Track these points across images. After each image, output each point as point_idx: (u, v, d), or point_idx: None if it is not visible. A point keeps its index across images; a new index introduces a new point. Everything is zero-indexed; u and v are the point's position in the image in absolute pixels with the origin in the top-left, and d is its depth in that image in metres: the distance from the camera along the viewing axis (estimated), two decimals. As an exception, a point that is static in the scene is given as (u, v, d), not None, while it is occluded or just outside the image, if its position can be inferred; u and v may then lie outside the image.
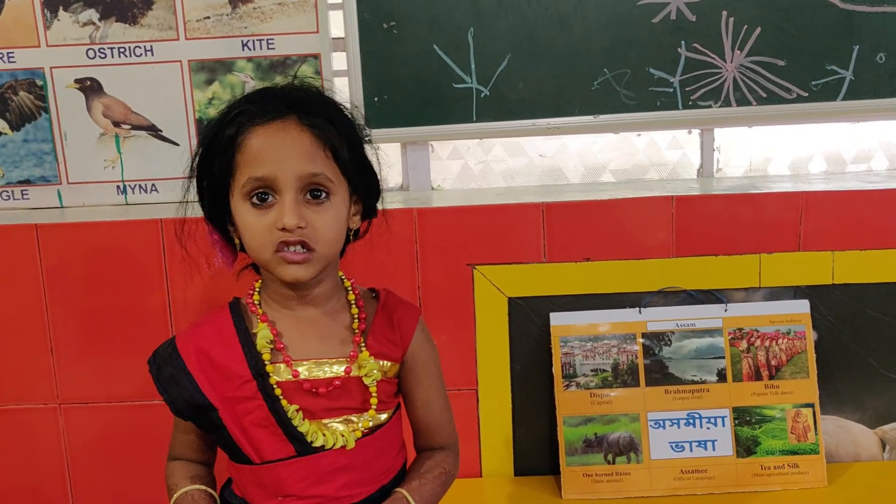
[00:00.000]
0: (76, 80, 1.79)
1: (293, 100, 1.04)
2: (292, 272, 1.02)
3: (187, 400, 1.07)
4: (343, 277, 1.14)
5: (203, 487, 1.12)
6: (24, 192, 1.83)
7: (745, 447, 1.63)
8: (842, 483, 1.63)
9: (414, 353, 1.14)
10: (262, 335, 1.06)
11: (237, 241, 1.08)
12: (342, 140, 1.04)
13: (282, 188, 1.00)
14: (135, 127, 1.80)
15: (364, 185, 1.09)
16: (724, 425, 1.63)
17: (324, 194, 1.03)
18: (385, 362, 1.11)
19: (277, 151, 1.00)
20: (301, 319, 1.09)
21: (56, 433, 1.69)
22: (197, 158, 1.07)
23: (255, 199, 1.01)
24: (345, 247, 1.11)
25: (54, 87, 1.79)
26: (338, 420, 1.07)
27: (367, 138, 1.10)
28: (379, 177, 1.12)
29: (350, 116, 1.08)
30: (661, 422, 1.64)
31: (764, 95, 1.80)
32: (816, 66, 1.78)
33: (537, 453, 1.71)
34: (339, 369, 1.07)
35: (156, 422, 1.68)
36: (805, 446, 1.63)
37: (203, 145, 1.06)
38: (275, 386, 1.05)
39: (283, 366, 1.06)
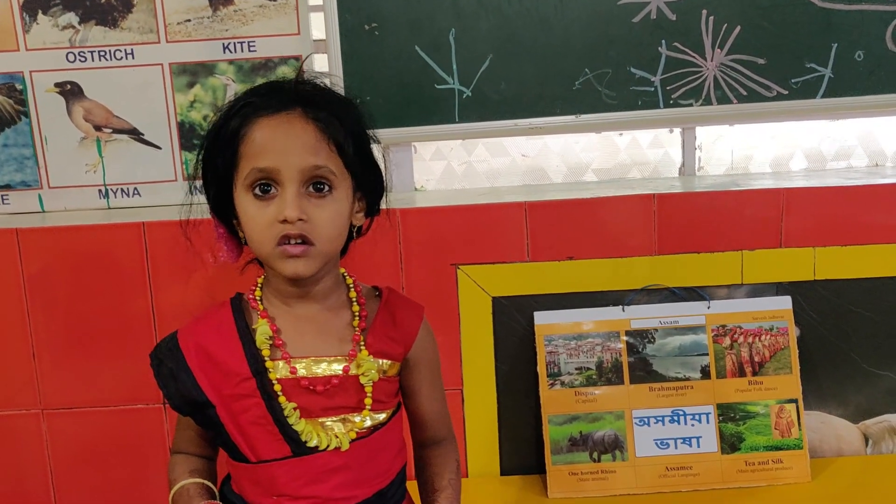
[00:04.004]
0: (56, 84, 1.77)
1: (299, 93, 1.04)
2: (292, 266, 1.01)
3: (185, 396, 1.07)
4: (345, 274, 1.14)
5: (200, 481, 1.12)
6: (4, 197, 1.82)
7: (730, 443, 1.64)
8: (825, 478, 1.64)
9: (418, 351, 1.14)
10: (262, 331, 1.07)
11: (242, 235, 1.08)
12: (347, 135, 1.03)
13: (284, 180, 1.00)
14: (116, 130, 1.79)
15: (368, 181, 1.09)
16: (708, 422, 1.64)
17: (326, 188, 1.02)
18: (384, 361, 1.10)
19: (281, 143, 1.00)
20: (300, 316, 1.09)
21: (39, 439, 1.68)
22: (203, 150, 1.07)
23: (257, 191, 1.01)
24: (347, 243, 1.11)
25: (34, 91, 1.77)
26: (336, 419, 1.07)
27: (373, 136, 1.09)
28: (384, 175, 1.11)
29: (357, 112, 1.07)
30: (645, 419, 1.64)
31: (744, 93, 1.81)
32: (796, 63, 1.80)
33: (523, 452, 1.71)
34: (337, 367, 1.07)
35: (139, 427, 1.68)
36: (789, 442, 1.64)
37: (208, 137, 1.06)
38: (274, 382, 1.05)
39: (281, 362, 1.06)
